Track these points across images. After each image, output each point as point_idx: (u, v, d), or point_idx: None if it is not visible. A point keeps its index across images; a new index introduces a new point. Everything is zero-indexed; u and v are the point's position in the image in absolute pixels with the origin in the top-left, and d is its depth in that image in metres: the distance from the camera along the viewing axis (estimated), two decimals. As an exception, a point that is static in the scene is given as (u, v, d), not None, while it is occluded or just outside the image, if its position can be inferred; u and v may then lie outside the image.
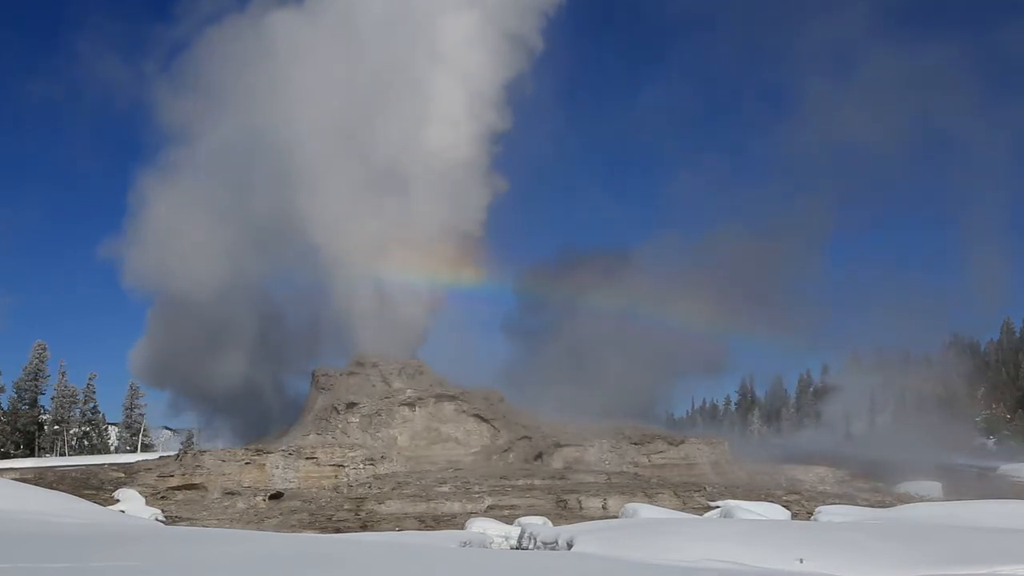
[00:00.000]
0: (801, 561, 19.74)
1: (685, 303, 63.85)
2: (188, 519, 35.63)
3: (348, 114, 56.08)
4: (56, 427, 62.73)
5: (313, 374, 51.95)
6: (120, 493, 37.84)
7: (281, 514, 36.66)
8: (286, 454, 41.69)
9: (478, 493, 38.89)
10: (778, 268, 70.42)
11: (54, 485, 35.74)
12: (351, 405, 47.07)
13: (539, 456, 45.76)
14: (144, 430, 68.05)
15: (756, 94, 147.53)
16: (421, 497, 38.38)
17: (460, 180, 55.24)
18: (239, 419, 64.46)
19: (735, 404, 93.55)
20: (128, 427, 67.61)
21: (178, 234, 63.71)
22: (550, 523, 32.09)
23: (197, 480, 39.76)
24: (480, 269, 59.16)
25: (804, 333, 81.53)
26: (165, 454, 49.28)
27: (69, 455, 58.80)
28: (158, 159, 69.43)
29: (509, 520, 33.31)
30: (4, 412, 59.45)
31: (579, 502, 37.80)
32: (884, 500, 40.83)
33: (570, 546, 23.04)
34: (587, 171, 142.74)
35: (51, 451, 61.35)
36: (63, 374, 63.22)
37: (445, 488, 39.48)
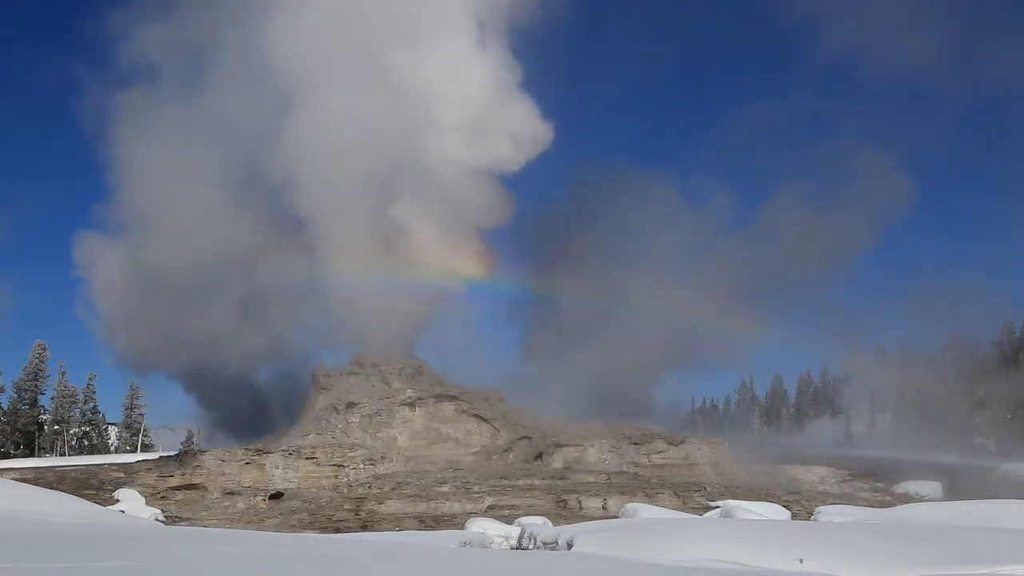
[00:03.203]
0: (801, 561, 19.75)
1: (699, 299, 63.49)
2: (188, 519, 35.65)
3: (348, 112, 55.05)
4: (56, 427, 62.62)
5: (313, 374, 51.94)
6: (120, 493, 37.85)
7: (281, 514, 36.68)
8: (286, 454, 41.70)
9: (478, 493, 38.90)
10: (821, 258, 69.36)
11: (54, 485, 35.73)
12: (351, 405, 47.07)
13: (539, 456, 45.75)
14: (144, 430, 67.94)
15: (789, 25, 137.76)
16: (421, 497, 38.39)
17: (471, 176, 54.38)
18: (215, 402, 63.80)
19: (735, 404, 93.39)
20: (128, 427, 67.49)
21: (165, 214, 62.34)
22: (550, 523, 32.10)
23: (197, 480, 39.77)
24: (489, 263, 58.42)
25: (818, 335, 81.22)
26: (165, 454, 49.24)
27: (69, 455, 58.74)
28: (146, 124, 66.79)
29: (509, 520, 33.32)
30: (4, 412, 59.38)
31: (579, 502, 37.81)
32: (884, 500, 40.89)
33: (570, 546, 23.04)
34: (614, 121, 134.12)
35: (51, 451, 61.27)
36: (63, 374, 63.14)
37: (445, 488, 39.48)
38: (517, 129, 55.07)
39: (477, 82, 54.29)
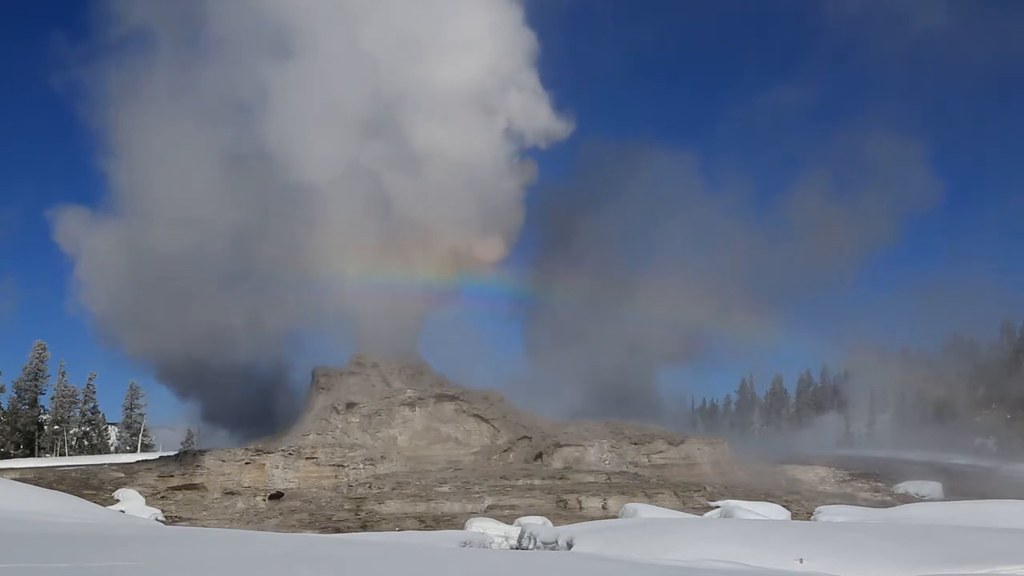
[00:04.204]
0: (801, 561, 19.76)
1: (703, 299, 63.27)
2: (188, 519, 35.65)
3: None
4: (56, 427, 62.66)
5: (313, 374, 51.88)
6: (120, 493, 37.85)
7: (281, 514, 36.67)
8: (286, 454, 41.69)
9: (478, 493, 38.90)
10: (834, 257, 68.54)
11: (54, 485, 35.73)
12: (351, 405, 47.07)
13: (539, 456, 45.75)
14: (144, 430, 67.95)
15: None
16: (421, 497, 38.38)
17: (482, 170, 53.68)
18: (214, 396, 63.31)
19: (735, 404, 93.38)
20: (128, 427, 67.53)
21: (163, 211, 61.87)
22: (550, 523, 32.11)
23: (197, 480, 39.76)
24: (495, 259, 57.88)
25: (820, 334, 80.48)
26: (165, 454, 49.24)
27: (69, 455, 58.78)
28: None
29: (509, 520, 33.34)
30: (4, 412, 59.39)
31: (579, 502, 37.82)
32: (884, 500, 40.90)
33: (570, 546, 23.08)
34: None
35: (51, 451, 61.30)
36: (63, 374, 63.22)
37: (445, 488, 39.48)
38: (525, 117, 54.65)
39: (486, 64, 53.89)
